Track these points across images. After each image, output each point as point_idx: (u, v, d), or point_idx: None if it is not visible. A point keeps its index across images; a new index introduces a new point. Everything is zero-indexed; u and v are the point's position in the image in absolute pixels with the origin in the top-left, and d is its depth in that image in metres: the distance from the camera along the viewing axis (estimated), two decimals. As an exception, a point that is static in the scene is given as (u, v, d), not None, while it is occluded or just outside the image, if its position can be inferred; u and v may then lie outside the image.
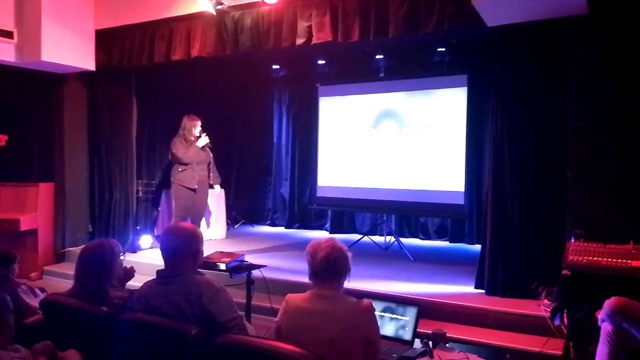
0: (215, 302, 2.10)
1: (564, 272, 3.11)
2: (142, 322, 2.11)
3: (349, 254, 2.21)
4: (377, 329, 2.15)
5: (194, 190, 5.64)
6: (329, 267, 2.12)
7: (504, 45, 4.20)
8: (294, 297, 2.19)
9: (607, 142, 3.70)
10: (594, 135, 3.74)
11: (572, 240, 3.29)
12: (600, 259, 3.03)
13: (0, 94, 6.02)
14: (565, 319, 3.18)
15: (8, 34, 5.38)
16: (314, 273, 2.16)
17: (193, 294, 2.11)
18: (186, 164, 5.62)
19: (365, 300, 2.14)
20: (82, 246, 2.79)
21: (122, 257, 2.70)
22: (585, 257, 3.07)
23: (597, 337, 2.75)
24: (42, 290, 3.20)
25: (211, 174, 6.04)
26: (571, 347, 3.10)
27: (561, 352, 3.16)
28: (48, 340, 2.22)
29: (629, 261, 2.97)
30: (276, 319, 2.18)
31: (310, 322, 2.06)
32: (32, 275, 5.70)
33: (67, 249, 6.15)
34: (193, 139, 5.68)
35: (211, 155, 5.93)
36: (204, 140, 5.72)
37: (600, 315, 2.71)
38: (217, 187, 6.39)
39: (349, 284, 2.28)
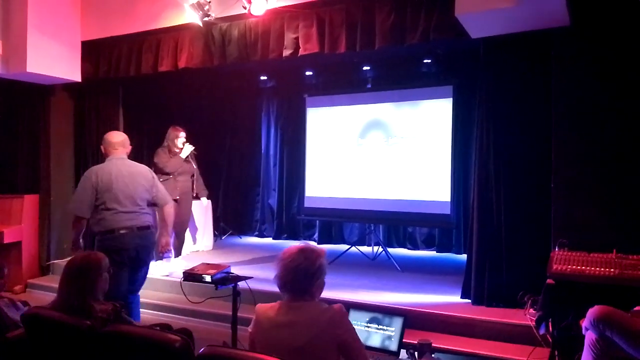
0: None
1: (549, 281, 3.15)
2: (124, 334, 2.09)
3: (323, 261, 2.09)
4: (349, 331, 2.03)
5: (175, 200, 5.48)
6: (296, 279, 2.03)
7: (488, 56, 4.24)
8: (263, 309, 2.11)
9: (590, 151, 3.75)
10: (577, 144, 3.79)
11: (557, 249, 3.32)
12: (583, 267, 3.07)
13: (-15, 105, 5.98)
14: (550, 328, 3.21)
15: (-7, 45, 5.36)
16: (282, 285, 2.07)
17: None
18: (168, 174, 5.53)
19: (335, 305, 2.05)
20: (68, 258, 2.77)
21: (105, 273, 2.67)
22: (569, 266, 3.11)
23: (582, 345, 2.77)
24: (25, 303, 3.15)
25: (196, 186, 5.98)
26: (557, 356, 3.13)
27: (547, 361, 3.19)
28: (30, 354, 2.19)
29: (612, 270, 3.01)
30: (249, 329, 2.12)
31: (280, 334, 2.00)
32: (16, 289, 5.62)
33: (52, 262, 6.08)
34: (177, 150, 5.63)
35: (195, 166, 5.87)
36: (188, 149, 5.67)
37: (584, 323, 2.73)
38: (203, 199, 6.34)
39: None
